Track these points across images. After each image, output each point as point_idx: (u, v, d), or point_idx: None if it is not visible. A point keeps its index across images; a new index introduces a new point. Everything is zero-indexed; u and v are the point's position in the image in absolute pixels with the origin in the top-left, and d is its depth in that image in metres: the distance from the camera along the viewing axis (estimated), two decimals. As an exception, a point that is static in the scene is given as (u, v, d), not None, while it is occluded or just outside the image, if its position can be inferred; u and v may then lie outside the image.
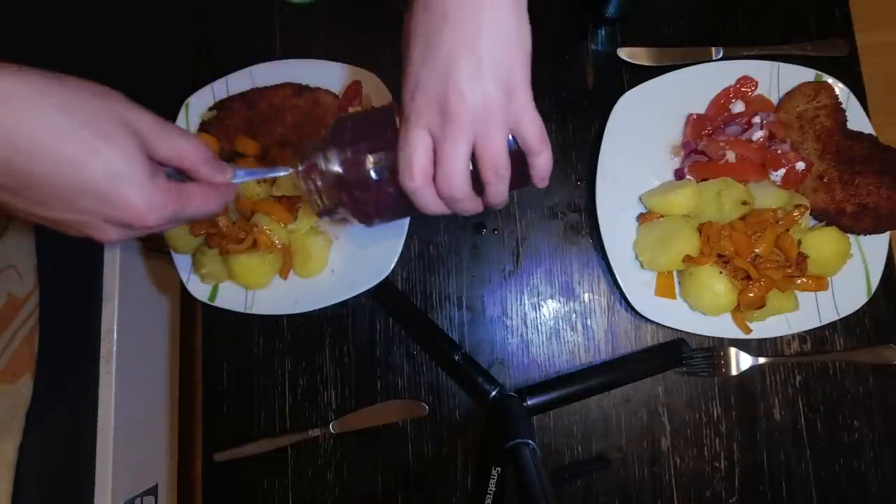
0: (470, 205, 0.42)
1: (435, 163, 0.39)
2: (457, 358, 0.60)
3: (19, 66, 0.32)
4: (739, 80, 0.63)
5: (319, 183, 0.44)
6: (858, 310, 0.60)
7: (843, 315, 0.59)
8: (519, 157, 0.41)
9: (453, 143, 0.38)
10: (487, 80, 0.37)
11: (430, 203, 0.41)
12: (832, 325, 0.61)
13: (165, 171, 0.37)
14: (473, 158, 0.39)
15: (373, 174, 0.43)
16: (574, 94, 0.67)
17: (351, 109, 0.63)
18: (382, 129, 0.42)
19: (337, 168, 0.43)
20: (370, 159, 0.42)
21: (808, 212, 0.58)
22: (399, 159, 0.40)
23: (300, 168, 0.44)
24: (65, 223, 0.34)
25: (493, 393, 0.59)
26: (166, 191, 0.35)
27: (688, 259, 0.58)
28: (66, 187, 0.32)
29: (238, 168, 0.43)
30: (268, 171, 0.46)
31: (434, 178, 0.40)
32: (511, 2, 0.36)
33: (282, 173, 0.45)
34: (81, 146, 0.32)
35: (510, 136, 0.40)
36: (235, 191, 0.44)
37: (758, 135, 0.60)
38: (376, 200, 0.44)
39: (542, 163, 0.41)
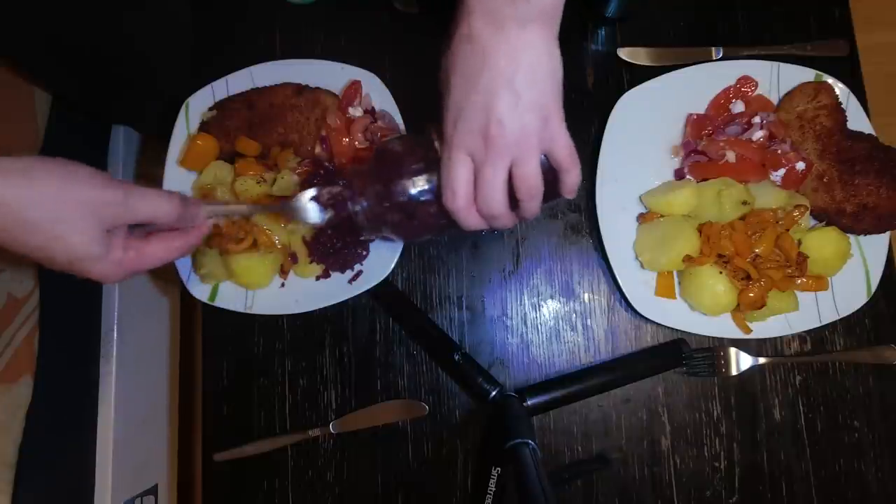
0: (507, 220, 0.45)
1: (475, 185, 0.43)
2: (457, 358, 0.60)
3: None
4: (739, 80, 0.63)
5: (366, 204, 0.48)
6: (858, 310, 0.60)
7: (843, 315, 0.59)
8: (550, 174, 0.44)
9: (493, 167, 0.42)
10: (525, 111, 0.40)
11: (471, 221, 0.45)
12: (832, 325, 0.61)
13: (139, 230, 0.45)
14: (509, 178, 0.43)
15: (417, 197, 0.46)
16: (574, 94, 0.67)
17: (351, 111, 0.63)
18: (423, 154, 0.46)
19: (384, 193, 0.47)
20: (414, 183, 0.46)
21: (808, 212, 0.58)
22: (443, 182, 0.44)
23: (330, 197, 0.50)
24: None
25: (493, 393, 0.59)
26: (120, 262, 0.43)
27: (688, 259, 0.58)
28: (40, 259, 0.40)
29: (207, 206, 0.49)
30: (239, 208, 0.53)
31: (475, 199, 0.43)
32: (544, 40, 0.40)
33: (254, 209, 0.53)
34: (46, 237, 0.39)
35: (542, 156, 0.43)
36: (206, 231, 0.50)
37: (758, 135, 0.60)
38: (420, 220, 0.48)
39: (572, 179, 0.45)
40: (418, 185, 0.46)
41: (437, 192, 0.45)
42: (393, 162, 0.47)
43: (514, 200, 0.44)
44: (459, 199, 0.43)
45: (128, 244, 0.43)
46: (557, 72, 0.41)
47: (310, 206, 0.51)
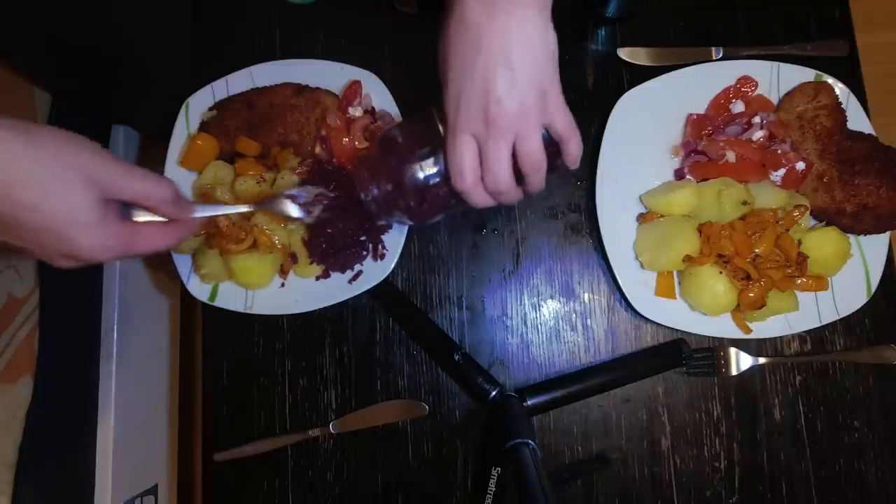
0: (514, 195, 0.47)
1: (482, 164, 0.44)
2: (457, 358, 0.60)
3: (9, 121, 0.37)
4: (739, 80, 0.63)
5: (377, 192, 0.49)
6: (858, 310, 0.60)
7: (843, 315, 0.59)
8: (552, 145, 0.46)
9: (497, 146, 0.43)
10: (523, 88, 0.41)
11: (479, 199, 0.46)
12: (832, 325, 0.61)
13: (132, 210, 0.44)
14: (513, 154, 0.44)
15: (426, 181, 0.48)
16: (574, 94, 0.66)
17: (351, 111, 0.63)
18: (427, 139, 0.47)
19: (394, 180, 0.48)
20: (423, 168, 0.47)
21: (808, 212, 0.58)
22: (450, 164, 0.45)
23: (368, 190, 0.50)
24: (29, 251, 0.41)
25: (493, 393, 0.59)
26: (115, 234, 0.41)
27: (688, 259, 0.58)
28: (28, 226, 0.38)
29: (199, 205, 0.50)
30: (228, 209, 0.53)
31: (482, 178, 0.45)
32: (536, 18, 0.41)
33: (243, 209, 0.53)
34: (39, 192, 0.37)
35: (543, 129, 0.44)
36: (195, 227, 0.50)
37: (758, 135, 0.60)
38: (430, 203, 0.49)
39: (573, 148, 0.46)
40: (426, 170, 0.47)
41: (445, 174, 0.46)
42: (399, 149, 0.48)
43: (519, 175, 0.45)
44: (468, 180, 0.44)
45: (122, 222, 0.43)
46: (552, 46, 0.42)
47: (291, 206, 0.55)
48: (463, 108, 0.42)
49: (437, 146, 0.47)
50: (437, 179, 0.48)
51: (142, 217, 0.45)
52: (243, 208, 0.54)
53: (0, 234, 0.39)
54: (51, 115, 0.83)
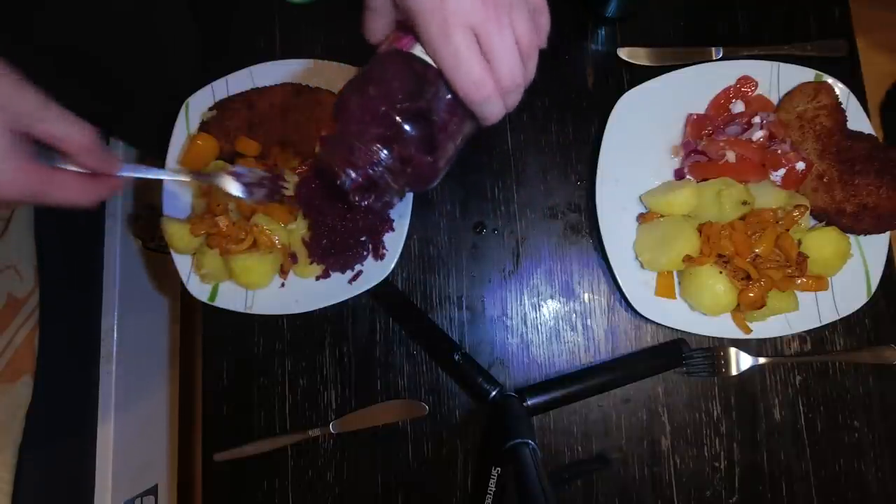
0: (522, 89, 0.40)
1: (489, 59, 0.37)
2: (457, 358, 0.60)
3: None
4: (739, 80, 0.63)
5: (362, 171, 0.40)
6: (858, 310, 0.60)
7: (843, 315, 0.59)
8: None
9: (502, 27, 0.37)
10: None
11: (496, 108, 0.39)
12: (832, 325, 0.61)
13: (56, 160, 0.41)
14: None
15: (422, 125, 0.39)
16: (574, 94, 0.67)
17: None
18: (402, 76, 0.39)
19: (381, 144, 0.39)
20: (412, 111, 0.38)
21: (808, 212, 0.58)
22: (457, 77, 0.37)
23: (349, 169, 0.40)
24: None
25: (493, 393, 0.59)
26: (23, 170, 0.38)
27: (688, 259, 0.58)
28: None
29: (127, 164, 0.45)
30: (163, 173, 0.49)
31: (495, 77, 0.38)
32: None
33: (182, 178, 0.51)
34: None
35: None
36: (118, 187, 0.45)
37: (758, 135, 0.60)
38: (440, 145, 0.40)
39: (544, 21, 0.41)
40: (417, 113, 0.39)
41: (443, 103, 0.39)
42: (371, 106, 0.39)
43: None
44: (487, 84, 0.37)
45: (36, 162, 0.40)
46: None
47: (230, 182, 0.53)
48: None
49: (420, 76, 0.38)
50: (437, 115, 0.39)
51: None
52: (182, 177, 0.52)
53: None
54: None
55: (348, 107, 0.40)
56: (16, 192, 0.39)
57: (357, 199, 0.42)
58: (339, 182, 0.40)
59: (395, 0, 0.39)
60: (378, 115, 0.38)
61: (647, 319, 0.61)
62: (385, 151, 0.39)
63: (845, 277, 0.60)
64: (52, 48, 0.69)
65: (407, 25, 0.39)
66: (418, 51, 0.39)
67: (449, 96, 0.39)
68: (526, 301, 0.64)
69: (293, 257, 0.61)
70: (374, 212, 0.50)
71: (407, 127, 0.38)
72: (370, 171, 0.40)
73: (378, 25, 0.43)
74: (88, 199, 0.43)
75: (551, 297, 0.64)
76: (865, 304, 0.60)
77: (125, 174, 0.45)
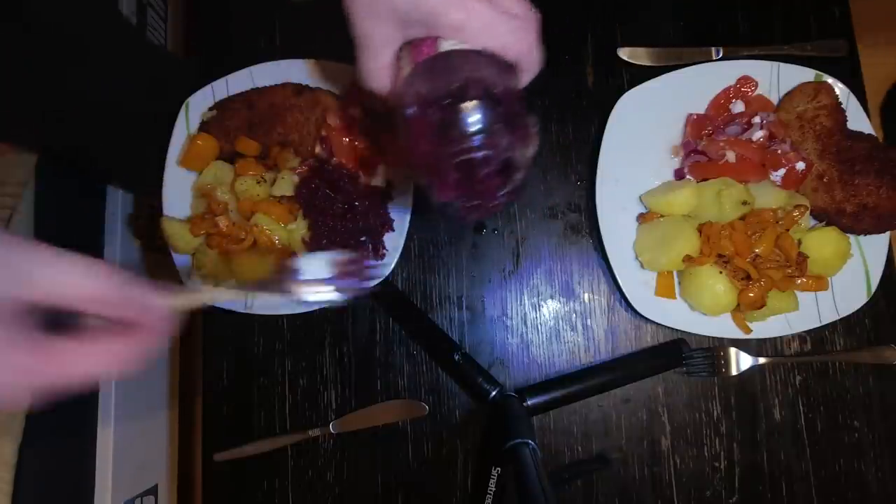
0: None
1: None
2: (457, 358, 0.60)
3: None
4: (739, 80, 0.63)
5: (502, 149, 0.37)
6: (858, 310, 0.60)
7: (843, 315, 0.59)
8: None
9: None
10: None
11: (536, 65, 0.37)
12: (832, 325, 0.61)
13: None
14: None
15: (497, 90, 0.36)
16: (574, 94, 0.67)
17: (352, 110, 0.62)
18: (460, 67, 0.37)
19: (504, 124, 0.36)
20: (489, 81, 0.36)
21: (808, 212, 0.58)
22: (496, 35, 0.35)
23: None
24: None
25: (493, 393, 0.59)
26: (13, 366, 0.28)
27: (688, 259, 0.58)
28: None
29: (169, 292, 0.32)
30: (223, 294, 0.39)
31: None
32: None
33: (230, 294, 0.39)
34: None
35: None
36: (164, 334, 0.32)
37: (758, 135, 0.60)
38: (521, 134, 0.37)
39: None
40: (488, 91, 0.36)
41: (506, 80, 0.37)
42: (450, 89, 0.36)
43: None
44: (536, 52, 0.36)
45: (33, 340, 0.29)
46: None
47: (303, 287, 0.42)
48: None
49: (470, 61, 0.36)
50: (502, 77, 0.37)
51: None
52: (247, 289, 0.43)
53: None
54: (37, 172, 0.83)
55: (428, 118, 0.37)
56: (13, 398, 0.29)
57: (474, 212, 0.40)
58: (457, 201, 0.39)
59: (401, 18, 0.37)
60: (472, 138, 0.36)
61: (647, 319, 0.61)
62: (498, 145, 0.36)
63: (845, 277, 0.60)
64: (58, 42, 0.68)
65: (414, 39, 0.38)
66: (446, 45, 0.37)
67: (492, 68, 0.37)
68: (526, 301, 0.64)
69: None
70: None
71: (494, 112, 0.36)
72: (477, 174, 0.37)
73: (382, 64, 0.40)
74: (128, 363, 0.31)
75: (551, 297, 0.64)
76: (865, 304, 0.60)
77: (171, 303, 0.32)
